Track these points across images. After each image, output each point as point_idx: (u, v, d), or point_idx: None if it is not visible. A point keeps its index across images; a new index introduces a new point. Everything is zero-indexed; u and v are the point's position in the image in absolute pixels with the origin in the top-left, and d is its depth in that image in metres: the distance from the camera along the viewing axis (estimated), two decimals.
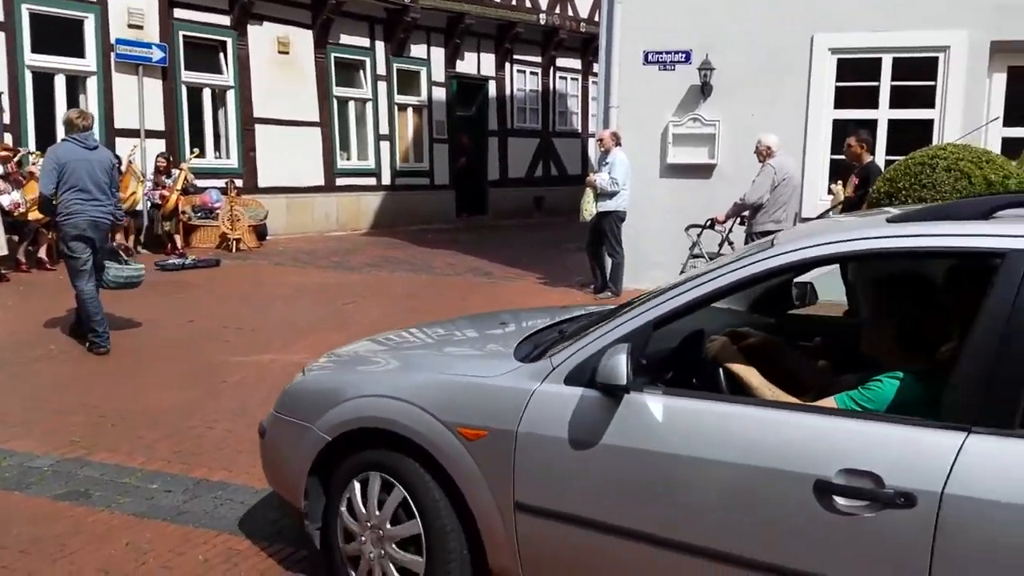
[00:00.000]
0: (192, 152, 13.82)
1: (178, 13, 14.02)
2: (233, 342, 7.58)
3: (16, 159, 11.28)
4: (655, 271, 10.23)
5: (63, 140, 7.20)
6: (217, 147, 15.11)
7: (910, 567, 2.12)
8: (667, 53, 10.37)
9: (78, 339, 7.40)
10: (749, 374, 2.73)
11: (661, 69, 10.42)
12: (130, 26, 13.25)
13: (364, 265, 12.66)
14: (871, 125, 9.44)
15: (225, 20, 14.73)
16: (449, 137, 19.37)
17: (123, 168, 12.59)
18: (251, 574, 3.50)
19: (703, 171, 10.26)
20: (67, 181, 6.84)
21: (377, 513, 3.01)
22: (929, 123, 9.59)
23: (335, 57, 16.66)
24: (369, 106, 17.54)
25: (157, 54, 13.52)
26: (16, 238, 10.92)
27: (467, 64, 19.74)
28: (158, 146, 13.58)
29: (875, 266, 2.86)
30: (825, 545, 2.23)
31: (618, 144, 9.75)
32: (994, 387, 2.14)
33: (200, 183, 13.71)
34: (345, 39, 16.82)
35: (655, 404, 2.50)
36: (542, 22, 20.78)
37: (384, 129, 17.86)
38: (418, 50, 18.46)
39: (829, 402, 2.51)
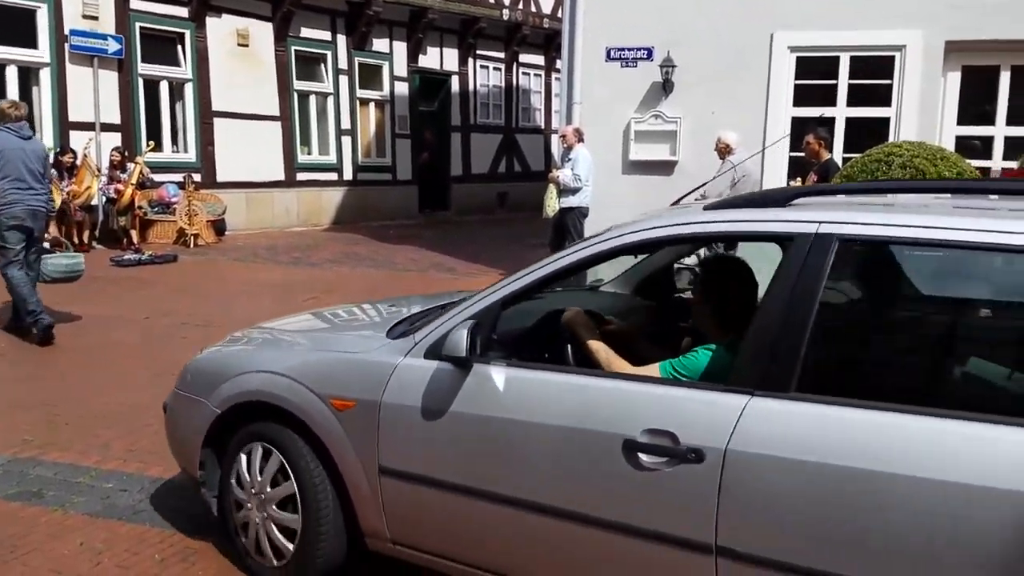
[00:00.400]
0: (148, 145, 13.58)
1: (135, 4, 13.76)
2: (191, 338, 7.45)
3: None
4: None
5: None
6: (175, 141, 14.87)
7: (701, 514, 2.37)
8: (629, 50, 10.42)
9: (18, 333, 7.29)
10: (596, 347, 2.96)
11: (623, 66, 10.46)
12: (85, 17, 12.98)
13: (325, 261, 12.56)
14: (829, 123, 9.57)
15: (183, 12, 14.49)
16: (412, 132, 19.27)
17: (78, 162, 12.36)
18: (208, 572, 3.45)
19: (665, 168, 10.33)
20: (3, 170, 6.79)
21: (259, 479, 3.26)
22: (886, 121, 9.75)
23: (295, 50, 16.47)
24: (330, 100, 17.39)
25: (113, 46, 13.26)
26: None
27: (430, 59, 19.65)
28: (114, 140, 13.33)
29: (696, 249, 3.11)
30: (633, 498, 2.48)
31: (581, 140, 9.77)
32: (775, 356, 2.38)
33: (157, 177, 13.49)
34: (306, 32, 16.65)
35: (498, 375, 2.76)
36: (505, 17, 20.76)
37: (346, 124, 17.71)
38: (380, 44, 18.33)
39: (654, 370, 2.77)
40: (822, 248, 2.41)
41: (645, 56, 10.36)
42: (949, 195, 3.02)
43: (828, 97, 9.91)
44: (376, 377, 2.97)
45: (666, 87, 10.24)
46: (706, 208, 2.86)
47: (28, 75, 12.63)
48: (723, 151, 8.67)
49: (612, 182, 10.27)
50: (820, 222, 2.47)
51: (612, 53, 10.46)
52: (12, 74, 12.42)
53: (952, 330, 2.74)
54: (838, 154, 9.42)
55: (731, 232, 2.81)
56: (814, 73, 9.98)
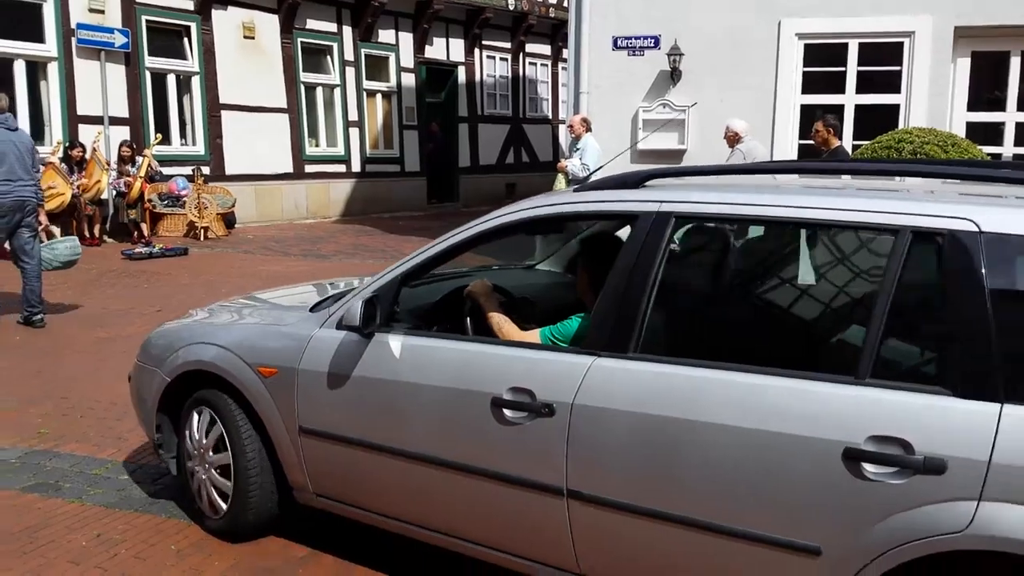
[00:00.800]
0: (155, 138, 13.61)
1: None
2: None
3: None
4: None
5: None
6: (183, 134, 14.89)
7: (554, 461, 2.70)
8: (636, 39, 10.39)
9: (29, 324, 7.47)
10: (493, 316, 3.25)
11: (630, 55, 10.44)
12: (91, 10, 13.00)
13: (335, 253, 12.58)
14: (838, 110, 9.54)
15: (189, 4, 14.49)
16: (419, 123, 19.27)
17: (87, 156, 12.40)
18: (225, 563, 3.49)
19: (673, 156, 10.31)
20: None
21: (204, 441, 3.65)
22: (895, 108, 9.71)
23: (302, 42, 16.47)
24: (337, 92, 17.38)
25: (119, 39, 13.28)
26: None
27: (436, 50, 19.62)
28: (122, 133, 13.36)
29: (572, 226, 3.45)
30: (500, 448, 2.82)
31: (588, 130, 9.76)
32: (618, 321, 2.70)
33: (167, 171, 13.52)
34: (312, 24, 16.63)
35: (394, 343, 3.09)
36: (511, 7, 20.71)
37: (353, 115, 17.71)
38: (386, 35, 18.31)
39: (535, 336, 3.10)
40: (661, 225, 2.71)
41: (652, 44, 10.33)
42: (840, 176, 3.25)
43: (837, 84, 9.87)
44: (294, 347, 3.32)
45: (673, 76, 10.21)
46: (576, 190, 3.18)
47: (36, 69, 12.65)
48: (732, 139, 8.65)
49: (621, 171, 10.25)
50: (661, 201, 2.77)
51: (619, 42, 10.44)
52: (20, 68, 12.44)
53: (768, 298, 3.11)
54: (848, 141, 9.39)
55: (590, 212, 3.12)
56: (822, 60, 9.94)
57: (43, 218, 7.51)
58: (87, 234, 12.37)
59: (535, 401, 2.74)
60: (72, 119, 12.81)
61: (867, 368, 2.31)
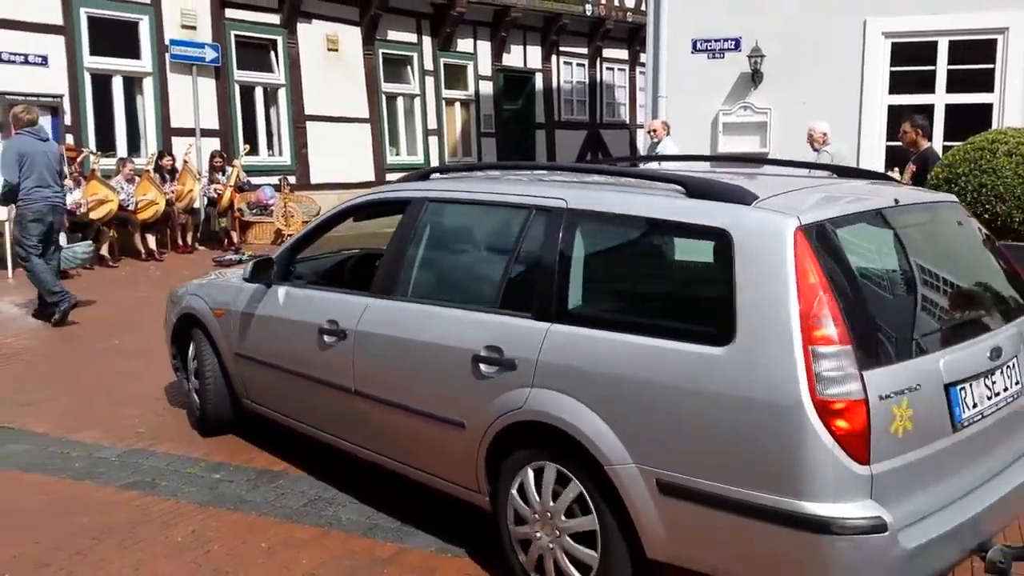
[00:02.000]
0: (243, 148, 14.07)
1: (230, 13, 14.27)
2: None
3: (79, 159, 11.60)
4: None
5: (18, 134, 7.82)
6: (270, 145, 15.35)
7: (347, 369, 3.89)
8: (716, 41, 10.28)
9: (44, 318, 7.99)
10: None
11: (710, 57, 10.33)
12: (183, 27, 13.52)
13: None
14: (928, 110, 9.25)
15: (275, 19, 14.95)
16: (496, 130, 19.41)
17: (179, 166, 12.90)
18: (313, 561, 3.59)
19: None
20: (28, 171, 7.57)
21: (190, 359, 5.14)
22: (988, 107, 9.36)
23: (383, 53, 16.80)
24: (417, 101, 17.66)
25: (210, 54, 13.78)
26: (80, 236, 11.24)
27: (513, 57, 19.75)
28: (212, 144, 13.84)
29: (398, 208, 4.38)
30: (322, 363, 4.04)
31: (668, 134, 9.69)
32: (389, 273, 3.90)
33: (254, 180, 13.95)
34: (393, 35, 16.95)
35: (281, 291, 4.42)
36: (588, 13, 20.69)
37: (432, 124, 17.96)
38: (464, 44, 18.52)
39: None
40: (421, 208, 3.87)
41: (733, 47, 10.20)
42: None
43: (926, 83, 9.57)
44: (232, 294, 4.74)
45: (755, 78, 10.06)
46: (398, 179, 4.49)
47: (132, 84, 13.23)
48: (818, 141, 8.47)
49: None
50: (426, 190, 3.94)
51: (699, 45, 10.34)
52: (118, 84, 13.02)
53: (463, 255, 4.07)
54: (938, 142, 9.09)
55: (386, 199, 4.40)
56: (911, 59, 9.65)
57: (65, 222, 8.32)
58: (180, 241, 12.86)
59: (337, 328, 3.92)
60: (166, 131, 13.34)
61: (495, 300, 3.39)
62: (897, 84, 9.73)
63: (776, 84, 9.99)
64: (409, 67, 17.56)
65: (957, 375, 2.75)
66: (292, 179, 14.69)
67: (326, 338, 3.95)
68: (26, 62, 11.76)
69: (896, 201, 3.10)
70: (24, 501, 4.22)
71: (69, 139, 11.98)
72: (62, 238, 10.00)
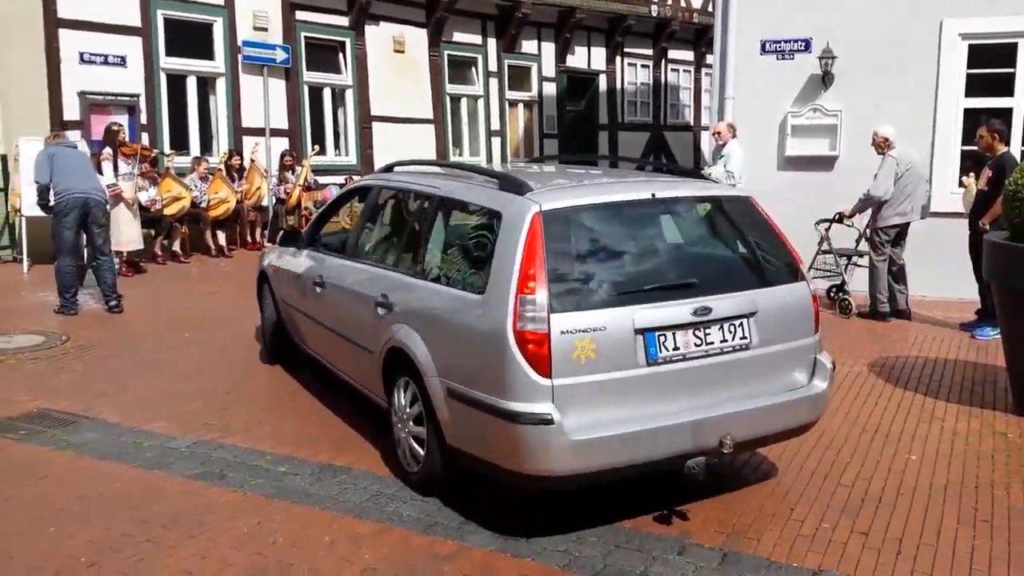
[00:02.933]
0: (313, 149, 14.32)
1: (300, 15, 14.53)
2: None
3: (152, 158, 11.95)
4: None
5: (48, 146, 8.66)
6: (337, 144, 15.60)
7: (323, 310, 5.44)
8: (785, 42, 10.09)
9: (118, 311, 8.58)
10: None
11: (779, 59, 10.15)
12: (255, 28, 13.82)
13: None
14: (1006, 114, 8.94)
15: (344, 21, 15.18)
16: (559, 132, 19.40)
17: (246, 164, 13.19)
18: (374, 556, 3.63)
19: (824, 164, 9.95)
20: (59, 171, 8.29)
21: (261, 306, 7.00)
22: None
23: (448, 55, 16.92)
24: (481, 102, 17.76)
25: (281, 55, 14.06)
26: (152, 232, 11.58)
27: (577, 58, 19.72)
28: (282, 144, 14.11)
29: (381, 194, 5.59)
30: (314, 304, 5.60)
31: (734, 136, 9.56)
32: (345, 241, 5.53)
33: (320, 179, 14.19)
34: (458, 37, 17.07)
35: (301, 254, 5.93)
36: (654, 14, 20.54)
37: (495, 125, 18.04)
38: (529, 46, 18.56)
39: None
40: (373, 192, 5.51)
41: (803, 48, 10.01)
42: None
43: (1005, 87, 9.26)
44: (280, 256, 6.42)
45: (825, 79, 9.85)
46: (380, 169, 5.97)
47: (205, 84, 13.57)
48: (881, 145, 8.26)
49: (766, 179, 9.97)
50: (384, 180, 5.46)
51: (767, 46, 10.17)
52: (192, 84, 13.37)
53: (389, 229, 5.32)
54: (1016, 147, 8.80)
55: (361, 187, 5.91)
56: (988, 62, 9.35)
57: (104, 219, 8.73)
58: (249, 238, 13.15)
59: (321, 280, 5.39)
60: (237, 131, 13.66)
61: (393, 262, 4.72)
62: (973, 87, 9.42)
63: (847, 86, 9.77)
64: (473, 68, 17.66)
65: (651, 323, 3.68)
66: (357, 178, 14.88)
67: (316, 288, 5.43)
68: (105, 63, 12.15)
69: (653, 195, 4.07)
70: (99, 488, 4.37)
71: (144, 138, 12.34)
72: (126, 235, 10.38)
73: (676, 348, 3.72)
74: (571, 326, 3.54)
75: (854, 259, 8.81)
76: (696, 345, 3.76)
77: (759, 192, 9.60)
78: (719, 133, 9.72)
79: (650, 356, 3.66)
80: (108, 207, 8.89)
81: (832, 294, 8.83)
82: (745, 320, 3.89)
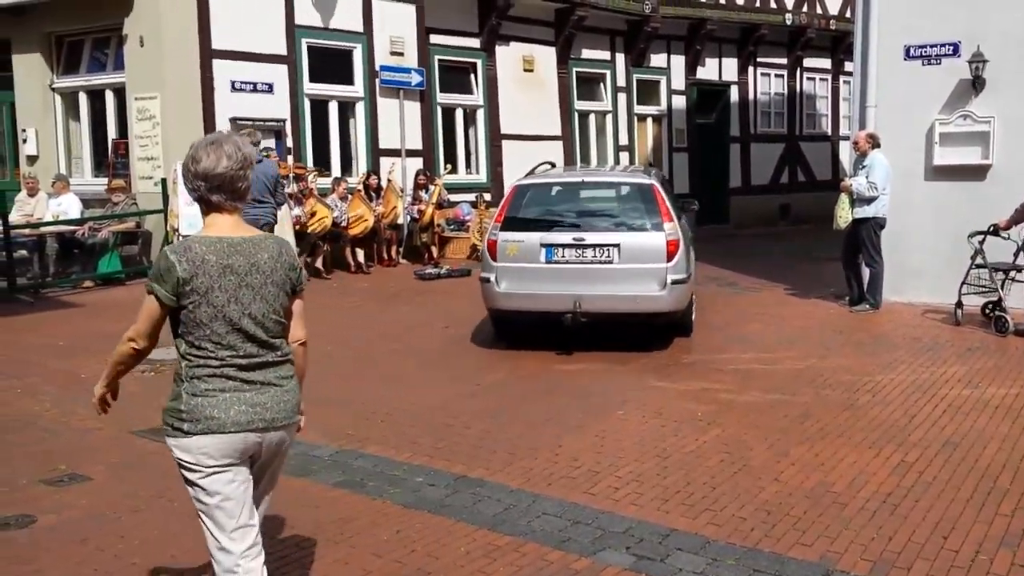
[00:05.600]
0: (445, 168, 14.68)
1: (434, 39, 14.95)
2: (479, 348, 7.96)
3: (309, 179, 12.56)
4: (916, 281, 9.51)
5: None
6: (468, 163, 15.92)
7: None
8: (931, 46, 9.63)
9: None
10: None
11: (925, 64, 9.68)
12: (392, 53, 14.31)
13: None
14: None
15: (475, 43, 15.51)
16: (688, 145, 19.13)
17: (383, 184, 13.67)
18: (508, 570, 3.68)
19: (975, 173, 9.41)
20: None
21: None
22: None
23: (576, 72, 17.01)
24: (609, 118, 17.74)
25: (416, 78, 14.50)
26: (298, 250, 12.15)
27: (708, 70, 19.41)
28: (416, 164, 14.52)
29: None
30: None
31: (875, 146, 9.18)
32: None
33: (452, 198, 14.52)
34: (586, 53, 17.13)
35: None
36: (788, 22, 19.99)
37: (623, 140, 17.97)
38: (658, 59, 18.42)
39: None
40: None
41: (951, 52, 9.52)
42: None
43: None
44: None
45: (976, 84, 9.33)
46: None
47: (346, 108, 14.16)
48: None
49: (911, 190, 9.54)
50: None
51: (912, 51, 9.72)
52: (333, 108, 13.98)
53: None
54: None
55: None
56: None
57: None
58: (385, 256, 13.59)
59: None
60: (375, 152, 14.17)
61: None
62: None
63: (1000, 91, 9.21)
64: (602, 84, 17.67)
65: (549, 241, 7.33)
66: (488, 196, 15.15)
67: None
68: (254, 90, 12.87)
69: (583, 181, 8.63)
70: None
71: (289, 160, 12.97)
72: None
73: (563, 256, 7.30)
74: (506, 239, 7.43)
75: (1012, 274, 8.28)
76: (575, 258, 7.27)
77: (905, 203, 9.24)
78: (857, 143, 9.37)
79: (547, 257, 7.34)
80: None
81: (988, 311, 8.32)
82: (609, 248, 7.23)
